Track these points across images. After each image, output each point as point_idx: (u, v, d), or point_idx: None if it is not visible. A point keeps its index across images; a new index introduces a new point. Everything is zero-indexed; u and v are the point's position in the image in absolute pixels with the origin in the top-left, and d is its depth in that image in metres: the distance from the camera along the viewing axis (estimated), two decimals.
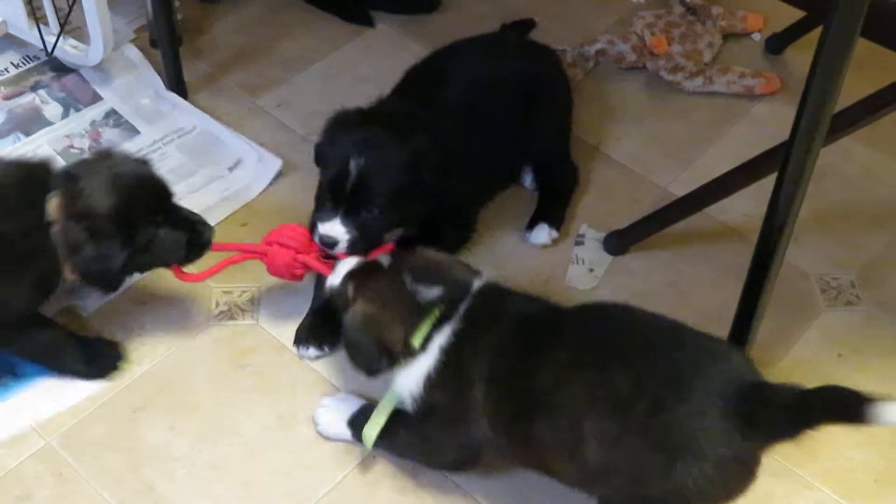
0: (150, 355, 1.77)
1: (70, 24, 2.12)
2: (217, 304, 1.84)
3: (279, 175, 2.04)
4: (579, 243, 1.95)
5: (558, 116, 2.01)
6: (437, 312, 1.48)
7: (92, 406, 1.70)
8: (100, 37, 2.05)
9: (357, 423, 1.62)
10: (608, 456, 1.37)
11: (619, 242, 1.93)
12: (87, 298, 1.82)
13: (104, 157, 1.63)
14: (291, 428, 1.69)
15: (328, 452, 1.66)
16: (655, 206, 1.95)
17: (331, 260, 1.70)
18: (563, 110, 2.02)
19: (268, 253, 1.74)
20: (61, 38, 2.10)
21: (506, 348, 1.46)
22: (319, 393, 1.72)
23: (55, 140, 2.06)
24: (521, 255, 1.94)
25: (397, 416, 1.57)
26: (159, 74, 2.19)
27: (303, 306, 1.83)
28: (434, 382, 1.49)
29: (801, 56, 2.26)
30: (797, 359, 1.79)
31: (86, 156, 1.75)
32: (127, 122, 2.11)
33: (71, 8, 2.06)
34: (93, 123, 2.10)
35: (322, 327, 1.77)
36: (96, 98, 2.15)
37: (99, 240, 1.55)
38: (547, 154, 1.99)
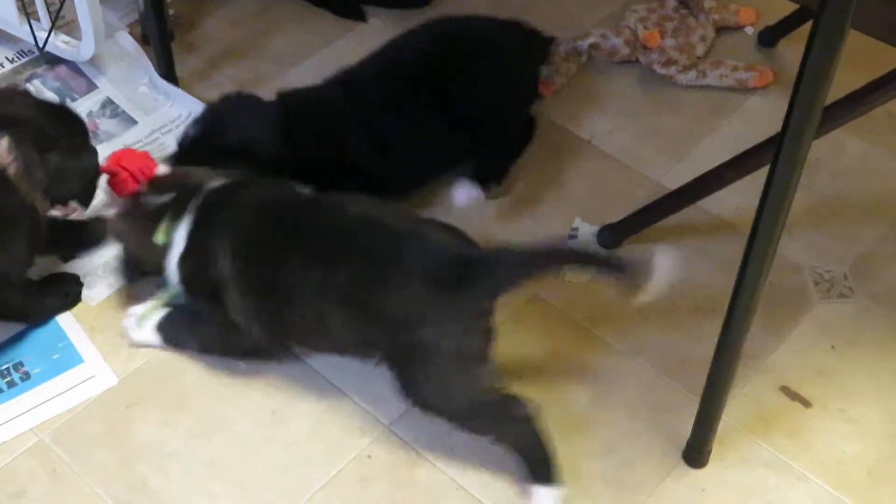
0: (142, 352, 1.77)
1: (62, 18, 2.11)
2: None
3: None
4: (573, 237, 1.95)
5: (491, 92, 1.96)
6: (169, 212, 1.68)
7: (85, 402, 1.70)
8: (91, 32, 2.04)
9: (164, 326, 1.77)
10: (350, 335, 1.58)
11: (612, 236, 1.93)
12: (95, 289, 1.84)
13: (20, 93, 1.78)
14: (285, 423, 1.69)
15: (322, 448, 1.66)
16: (649, 199, 1.95)
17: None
18: (498, 85, 1.97)
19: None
20: (52, 33, 2.09)
21: (243, 228, 1.64)
22: (313, 388, 1.73)
23: None
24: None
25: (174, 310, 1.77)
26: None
27: None
28: (184, 259, 1.68)
29: (793, 49, 2.26)
30: (790, 350, 1.79)
31: None
32: (124, 112, 2.11)
33: (62, 3, 2.05)
34: (90, 114, 2.09)
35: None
36: (91, 87, 2.14)
37: (48, 150, 1.66)
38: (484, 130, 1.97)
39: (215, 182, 1.71)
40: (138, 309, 1.78)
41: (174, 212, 1.68)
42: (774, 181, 1.49)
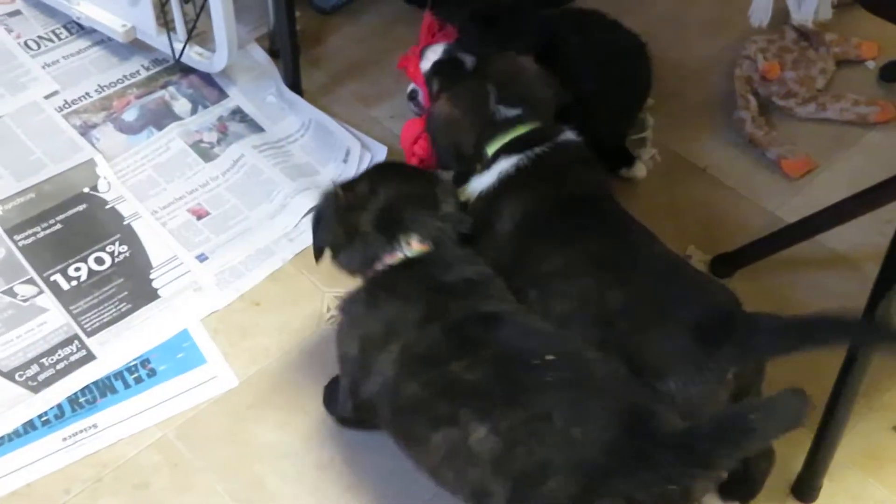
0: (263, 354, 1.83)
1: (197, 30, 2.19)
2: (329, 308, 1.89)
3: None
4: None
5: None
6: (510, 136, 1.63)
7: (207, 401, 1.77)
8: (225, 45, 2.12)
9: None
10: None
11: (725, 265, 1.93)
12: (223, 291, 1.91)
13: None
14: None
15: None
16: (763, 230, 1.95)
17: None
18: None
19: None
20: (188, 45, 2.18)
21: (539, 207, 1.59)
22: None
23: (185, 134, 2.15)
24: None
25: None
26: None
27: None
28: (482, 198, 1.63)
29: None
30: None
31: None
32: (252, 119, 2.19)
33: (198, 16, 2.13)
34: (220, 118, 2.18)
35: None
36: (222, 96, 2.23)
37: None
38: None
39: (564, 135, 1.66)
40: None
41: (518, 145, 1.63)
42: None
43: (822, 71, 2.28)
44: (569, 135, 1.68)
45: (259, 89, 2.24)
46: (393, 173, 1.62)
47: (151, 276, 1.92)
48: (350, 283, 1.90)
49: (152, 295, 1.89)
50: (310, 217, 1.63)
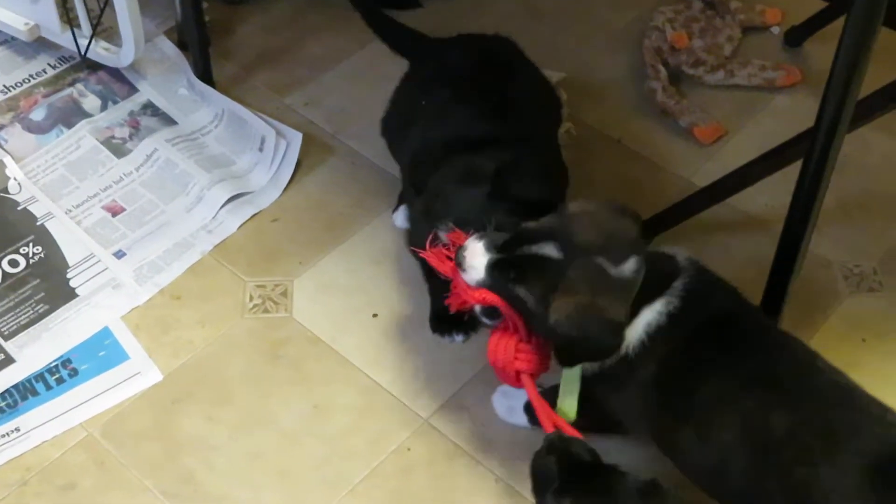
0: (187, 348, 1.81)
1: (102, 24, 2.16)
2: (251, 298, 1.88)
3: (308, 172, 2.08)
4: None
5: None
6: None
7: (131, 398, 1.75)
8: (131, 39, 2.09)
9: (531, 408, 1.57)
10: (745, 487, 1.36)
11: (643, 233, 1.95)
12: (141, 287, 1.89)
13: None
14: (327, 417, 1.73)
15: (363, 441, 1.70)
16: (679, 197, 1.97)
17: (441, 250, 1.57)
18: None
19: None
20: (93, 40, 2.14)
21: (689, 342, 1.43)
22: (354, 384, 1.76)
23: (96, 131, 2.11)
24: None
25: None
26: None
27: (336, 301, 1.87)
28: (628, 358, 1.45)
29: (819, 48, 2.29)
30: (821, 345, 1.79)
31: None
32: (164, 112, 2.16)
33: (102, 11, 2.10)
34: (131, 114, 2.15)
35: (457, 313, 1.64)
36: (132, 91, 2.20)
37: None
38: None
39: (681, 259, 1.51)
40: (510, 388, 1.64)
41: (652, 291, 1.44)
42: (808, 176, 1.53)
43: (728, 38, 2.32)
44: (676, 253, 1.53)
45: (169, 82, 2.21)
46: (605, 500, 1.38)
47: (68, 276, 1.89)
48: (271, 271, 1.91)
49: (70, 294, 1.87)
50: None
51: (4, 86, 2.19)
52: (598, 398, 1.52)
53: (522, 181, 1.63)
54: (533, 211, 1.55)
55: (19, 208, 1.98)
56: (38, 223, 1.96)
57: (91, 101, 2.17)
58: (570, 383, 1.52)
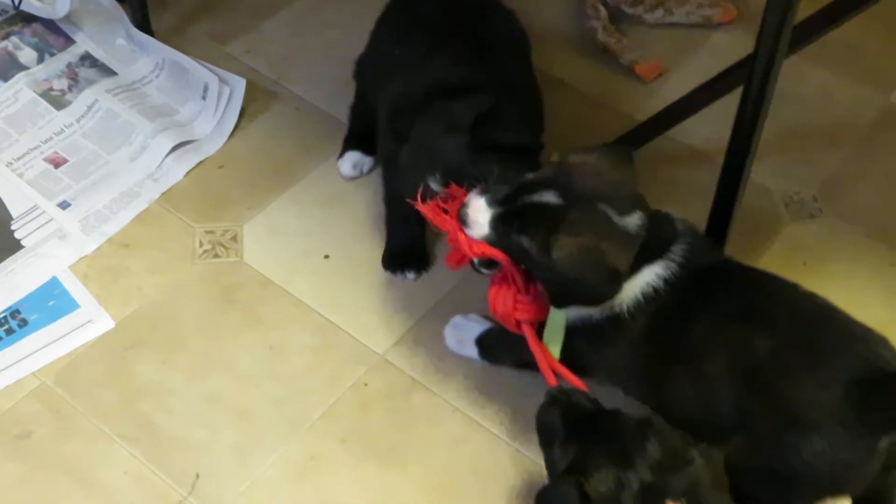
0: (138, 295, 1.80)
1: None
2: (200, 244, 1.87)
3: (253, 119, 2.07)
4: None
5: None
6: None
7: (84, 346, 1.73)
8: None
9: (485, 342, 1.67)
10: (734, 417, 1.38)
11: None
12: (88, 236, 1.87)
13: None
14: (283, 358, 1.73)
15: (320, 379, 1.71)
16: (622, 132, 2.01)
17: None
18: None
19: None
20: None
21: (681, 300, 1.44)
22: (308, 324, 1.77)
23: (34, 83, 2.08)
24: None
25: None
26: None
27: (287, 245, 1.87)
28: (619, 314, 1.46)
29: None
30: (765, 269, 1.86)
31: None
32: (103, 63, 2.13)
33: None
34: (69, 65, 2.12)
35: (410, 251, 1.81)
36: (69, 42, 2.16)
37: None
38: None
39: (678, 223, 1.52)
40: (461, 320, 1.72)
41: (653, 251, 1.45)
42: (750, 99, 1.56)
43: None
44: (673, 218, 1.53)
45: (107, 33, 2.18)
46: (611, 444, 1.35)
47: (13, 228, 1.86)
48: (220, 217, 1.90)
49: (15, 246, 1.84)
50: None
51: None
52: (577, 352, 1.53)
53: (502, 127, 1.63)
54: (516, 156, 1.58)
55: None
56: None
57: (27, 54, 2.13)
58: (554, 332, 1.53)
